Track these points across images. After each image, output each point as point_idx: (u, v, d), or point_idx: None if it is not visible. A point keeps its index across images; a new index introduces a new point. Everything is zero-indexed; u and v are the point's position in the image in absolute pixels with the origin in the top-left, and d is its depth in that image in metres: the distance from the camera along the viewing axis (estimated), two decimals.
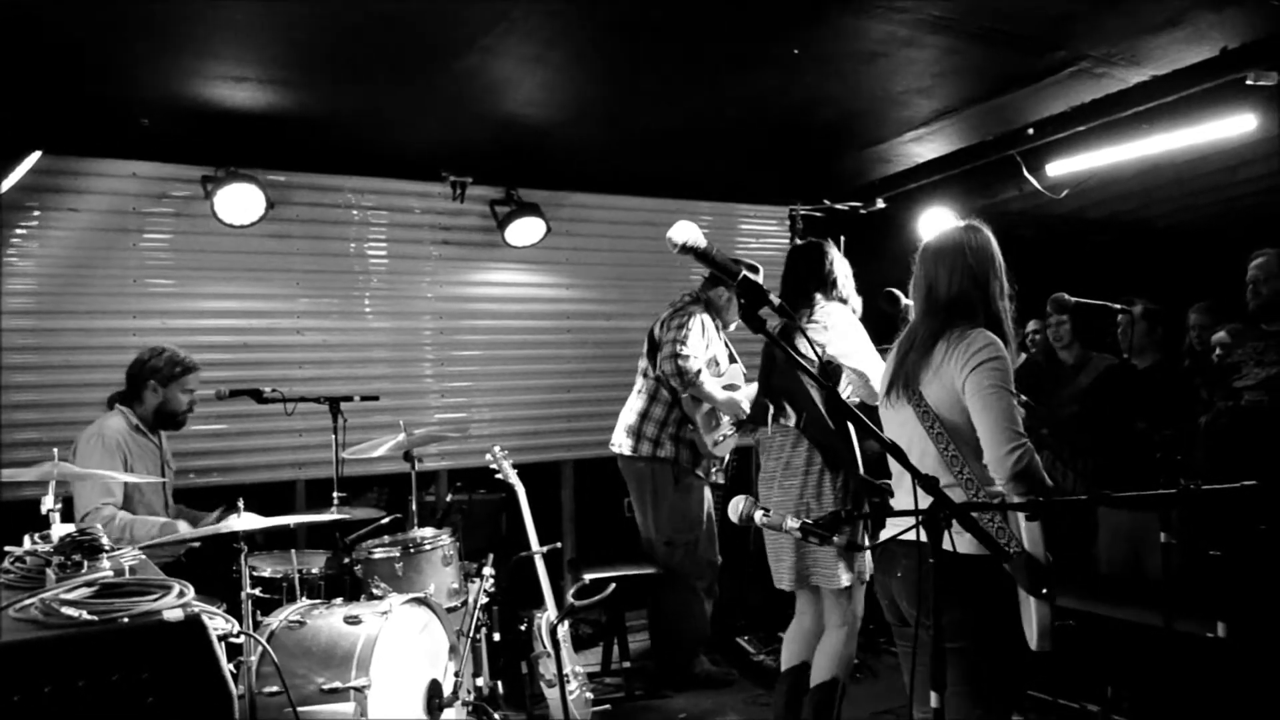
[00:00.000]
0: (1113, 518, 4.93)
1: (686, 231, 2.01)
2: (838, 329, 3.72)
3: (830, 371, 3.72)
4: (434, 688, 3.80)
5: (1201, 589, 3.35)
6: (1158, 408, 4.74)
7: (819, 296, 3.86)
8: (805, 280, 3.91)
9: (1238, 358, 4.45)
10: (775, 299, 2.02)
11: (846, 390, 3.81)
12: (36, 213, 4.81)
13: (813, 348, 2.22)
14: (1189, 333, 5.29)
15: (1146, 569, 4.72)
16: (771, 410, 3.89)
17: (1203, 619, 3.57)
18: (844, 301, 3.91)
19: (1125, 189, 5.79)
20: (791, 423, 3.77)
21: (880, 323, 3.84)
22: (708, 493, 5.14)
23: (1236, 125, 4.44)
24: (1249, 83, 4.12)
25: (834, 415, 3.61)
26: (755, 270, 4.36)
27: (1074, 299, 3.99)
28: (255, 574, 4.01)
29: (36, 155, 4.47)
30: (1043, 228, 6.35)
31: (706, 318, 4.99)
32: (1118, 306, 4.04)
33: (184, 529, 3.92)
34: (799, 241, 4.07)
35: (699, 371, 4.78)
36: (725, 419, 4.99)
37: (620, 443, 5.17)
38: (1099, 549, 4.99)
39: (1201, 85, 4.33)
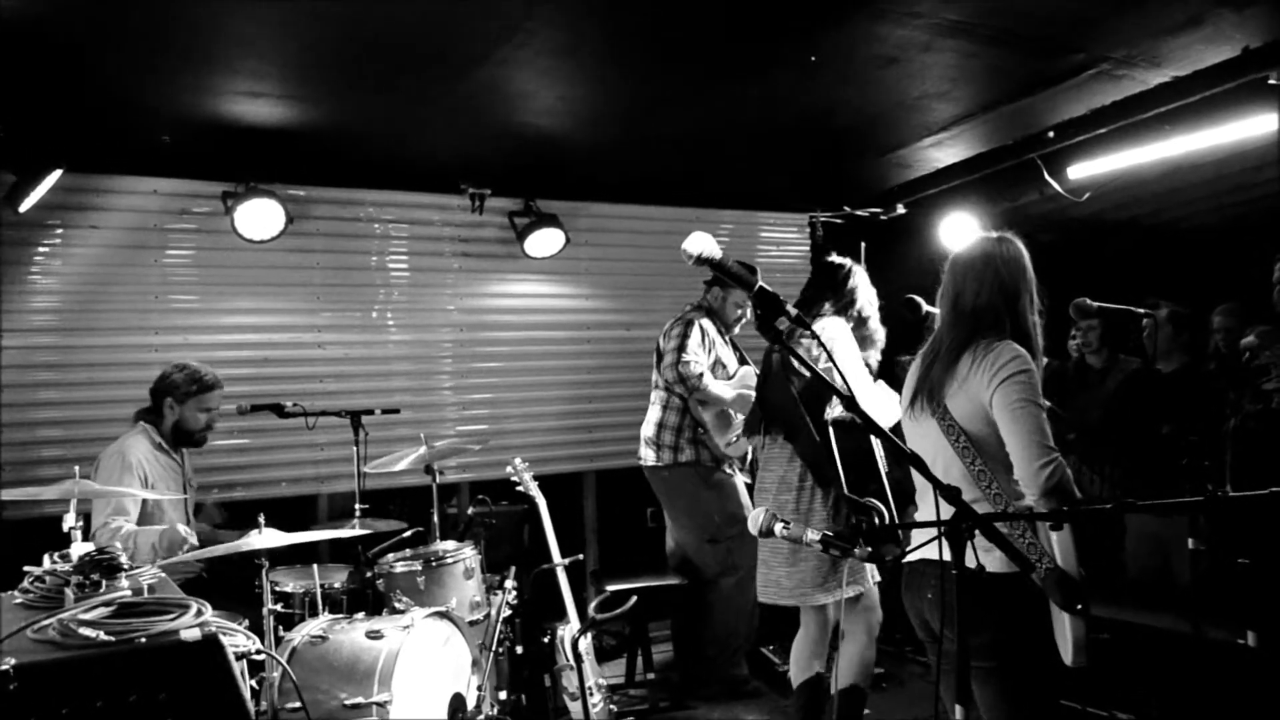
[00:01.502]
0: (1140, 523, 4.87)
1: (701, 243, 2.01)
2: (830, 344, 3.70)
3: (820, 384, 3.69)
4: (457, 702, 3.80)
5: (1231, 596, 3.29)
6: (1184, 412, 4.67)
7: (827, 306, 3.85)
8: (820, 293, 3.92)
9: (1266, 359, 4.39)
10: (791, 309, 2.01)
11: (837, 408, 3.76)
12: (59, 230, 4.85)
13: (827, 352, 2.20)
14: (1214, 335, 5.22)
15: (1175, 574, 4.66)
16: (764, 423, 3.90)
17: (1233, 626, 3.52)
18: (860, 320, 3.89)
19: (1147, 191, 5.72)
20: (782, 436, 3.79)
21: (901, 330, 3.81)
22: (741, 486, 5.12)
23: (1259, 125, 4.39)
24: (1272, 82, 4.07)
25: (838, 430, 3.60)
26: (754, 272, 4.36)
27: (1096, 303, 3.93)
28: (277, 589, 4.02)
29: (58, 173, 4.50)
30: (1064, 231, 6.29)
31: (706, 322, 5.03)
32: (1141, 310, 3.98)
33: (182, 530, 3.88)
34: (831, 258, 4.05)
35: (701, 375, 4.82)
36: (738, 419, 4.97)
37: (643, 455, 5.21)
38: (1127, 555, 4.93)
39: (1223, 85, 4.28)
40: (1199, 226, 6.54)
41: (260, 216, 4.96)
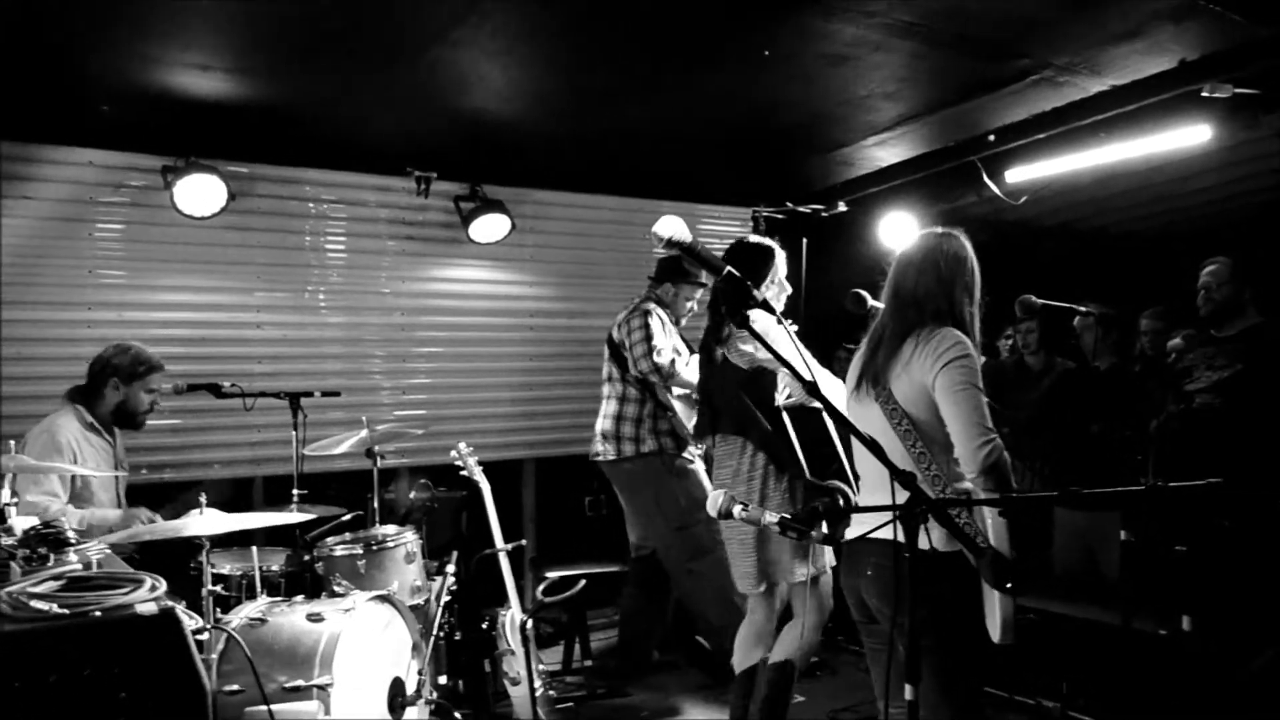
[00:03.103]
0: (1068, 518, 5.03)
1: (672, 226, 2.03)
2: (768, 333, 3.70)
3: (762, 373, 3.73)
4: (397, 686, 3.77)
5: (1163, 586, 3.44)
6: (1113, 410, 4.83)
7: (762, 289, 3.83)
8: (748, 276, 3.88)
9: (1189, 362, 4.56)
10: (759, 295, 2.05)
11: (785, 392, 3.81)
12: None
13: (799, 348, 2.25)
14: (1141, 337, 5.40)
15: (1101, 568, 4.82)
16: (713, 422, 3.87)
17: (1157, 616, 3.66)
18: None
19: (1080, 197, 5.89)
20: (734, 430, 3.76)
21: (846, 323, 3.85)
22: (703, 471, 5.11)
23: (1192, 136, 4.53)
24: (1205, 94, 4.22)
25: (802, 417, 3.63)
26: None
27: (1040, 301, 4.06)
28: (213, 571, 3.94)
29: None
30: (999, 233, 6.44)
31: (661, 311, 5.03)
32: (1082, 309, 4.12)
33: (146, 516, 3.80)
34: (750, 239, 4.05)
35: (673, 361, 4.81)
36: None
37: (602, 450, 5.10)
38: (1055, 549, 5.08)
39: (1159, 96, 4.43)
40: (1127, 233, 6.74)
41: (201, 192, 4.84)
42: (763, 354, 3.62)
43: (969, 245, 2.85)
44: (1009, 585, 2.43)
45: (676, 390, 4.98)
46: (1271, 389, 4.14)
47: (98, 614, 1.94)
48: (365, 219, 5.65)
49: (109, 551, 2.60)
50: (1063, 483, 4.88)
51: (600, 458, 5.12)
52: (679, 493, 4.98)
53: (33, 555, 2.18)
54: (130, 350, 4.19)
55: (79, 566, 2.21)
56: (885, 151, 5.65)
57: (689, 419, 4.99)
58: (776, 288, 3.90)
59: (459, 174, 5.71)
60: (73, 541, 2.29)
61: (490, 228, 5.70)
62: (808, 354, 3.73)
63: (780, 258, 3.92)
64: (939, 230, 2.89)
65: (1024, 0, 3.59)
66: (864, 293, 3.57)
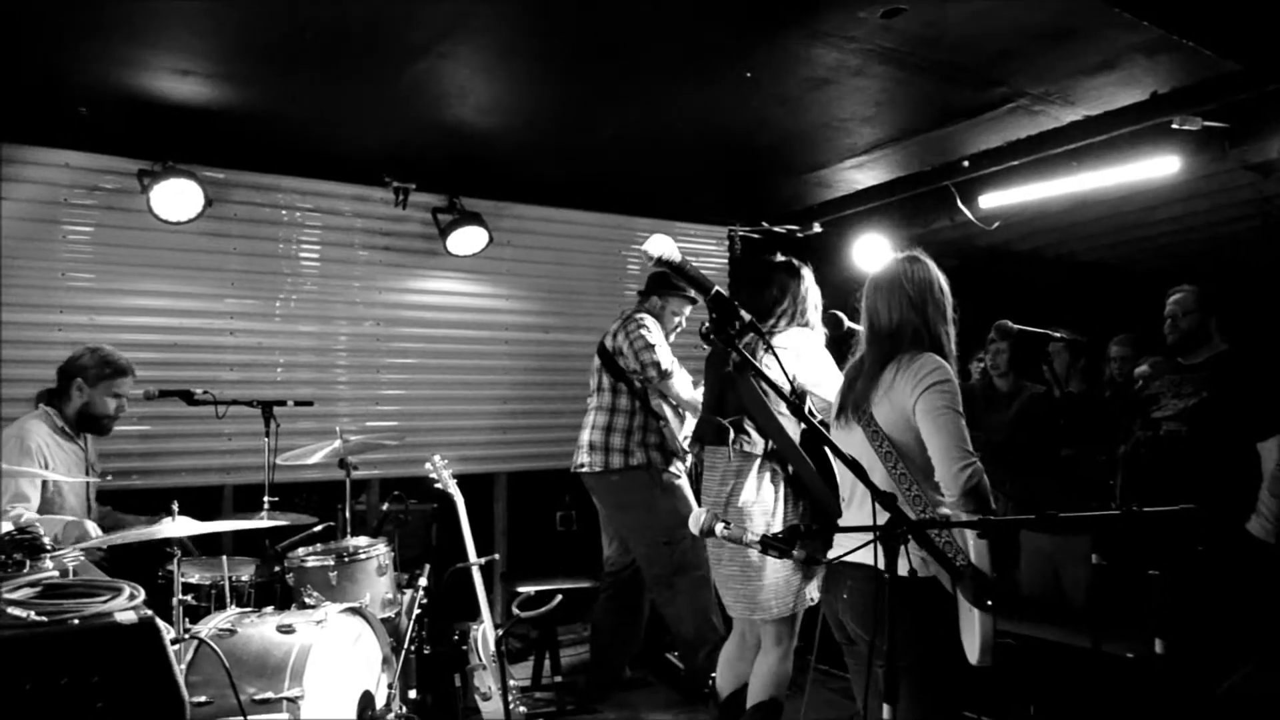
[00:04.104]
0: (1033, 541, 5.08)
1: (661, 245, 2.06)
2: (805, 356, 3.65)
3: (799, 397, 3.69)
4: (366, 699, 3.75)
5: (1133, 608, 3.49)
6: (1082, 435, 4.89)
7: (794, 317, 3.80)
8: (775, 300, 3.82)
9: (1156, 389, 4.62)
10: (746, 315, 2.07)
11: (815, 417, 3.78)
12: None
13: (784, 370, 2.26)
14: (1110, 364, 5.48)
15: (1065, 591, 4.88)
16: (732, 434, 3.74)
17: (1128, 639, 3.71)
18: (807, 326, 3.82)
19: (1052, 223, 5.98)
20: (758, 450, 3.67)
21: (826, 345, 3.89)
22: (688, 487, 5.06)
23: (1161, 166, 4.62)
24: (1174, 126, 4.30)
25: (810, 441, 3.60)
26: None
27: (1016, 326, 4.12)
28: (182, 580, 3.90)
29: None
30: (970, 259, 6.53)
31: (655, 321, 5.00)
32: (1058, 334, 4.17)
33: (91, 529, 3.73)
34: (779, 258, 4.02)
35: (671, 360, 4.80)
36: (689, 416, 4.98)
37: (588, 461, 4.98)
38: (1020, 571, 5.14)
39: (1130, 127, 4.51)
40: (1097, 260, 6.86)
41: (177, 197, 4.81)
42: (803, 377, 3.57)
43: (933, 265, 2.91)
44: (989, 604, 2.46)
45: (671, 399, 4.96)
46: (1236, 417, 4.22)
47: (76, 622, 1.92)
48: (342, 228, 5.63)
49: (83, 559, 2.56)
50: (1031, 506, 4.93)
51: (585, 469, 5.01)
52: (668, 506, 4.91)
53: (8, 561, 2.16)
54: (98, 352, 4.14)
55: (56, 573, 2.18)
56: (862, 174, 5.71)
57: (680, 430, 4.97)
58: (803, 305, 3.84)
59: (438, 186, 5.72)
60: (48, 548, 2.26)
61: (468, 240, 5.70)
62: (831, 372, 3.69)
63: (806, 279, 3.88)
64: (903, 255, 2.93)
65: (1002, 30, 3.65)
66: (840, 314, 3.60)
